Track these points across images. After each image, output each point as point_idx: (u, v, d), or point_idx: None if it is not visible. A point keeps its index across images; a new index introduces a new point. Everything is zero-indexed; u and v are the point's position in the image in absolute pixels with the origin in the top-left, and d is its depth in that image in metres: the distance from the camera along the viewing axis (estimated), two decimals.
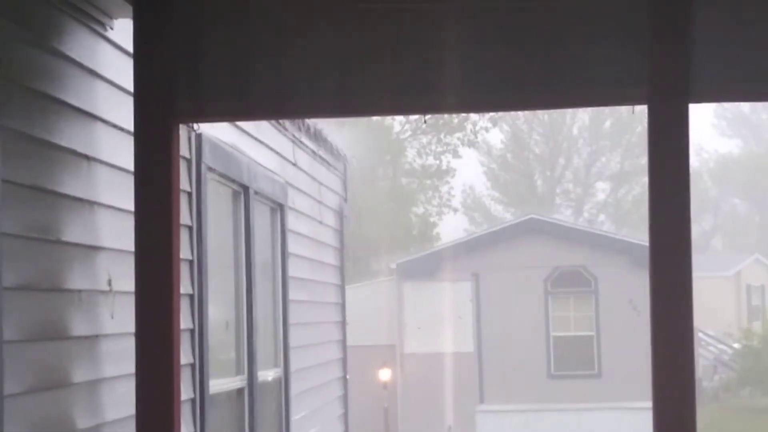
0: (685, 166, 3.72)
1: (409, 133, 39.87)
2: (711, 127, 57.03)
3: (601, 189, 51.50)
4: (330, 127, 10.30)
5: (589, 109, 44.51)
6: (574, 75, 3.87)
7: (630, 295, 21.63)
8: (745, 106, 57.02)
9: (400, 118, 37.66)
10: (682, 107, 3.70)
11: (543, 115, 49.19)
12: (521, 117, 49.40)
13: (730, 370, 29.57)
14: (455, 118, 38.85)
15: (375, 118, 34.29)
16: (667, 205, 3.73)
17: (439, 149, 40.14)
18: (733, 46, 3.82)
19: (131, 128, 3.96)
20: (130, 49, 4.00)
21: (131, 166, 3.95)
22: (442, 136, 39.82)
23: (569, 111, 47.56)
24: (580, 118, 50.14)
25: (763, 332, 28.38)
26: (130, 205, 3.98)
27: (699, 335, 30.02)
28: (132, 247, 3.92)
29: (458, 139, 39.90)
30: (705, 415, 24.78)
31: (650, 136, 3.73)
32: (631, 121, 45.20)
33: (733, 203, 56.96)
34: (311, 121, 9.15)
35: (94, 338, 4.24)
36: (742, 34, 3.82)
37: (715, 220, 55.77)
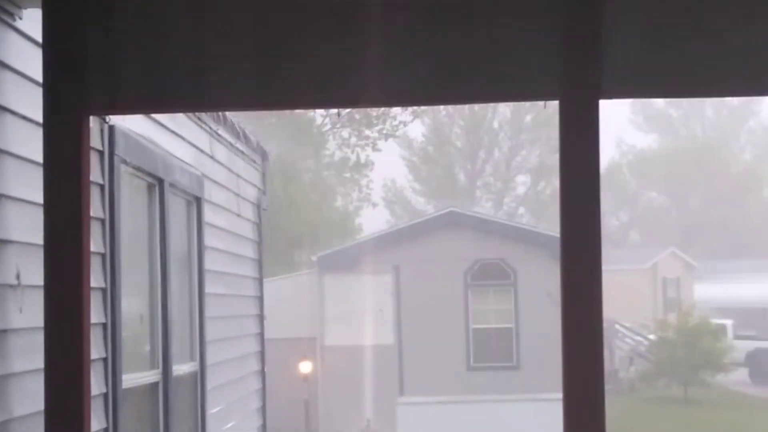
0: (595, 162, 3.76)
1: (329, 126, 39.82)
2: (628, 122, 57.84)
3: (521, 182, 52.03)
4: (251, 118, 10.24)
5: (510, 104, 44.84)
6: (487, 71, 3.89)
7: (548, 287, 21.86)
8: (660, 102, 57.93)
9: (321, 111, 37.57)
10: (592, 103, 3.74)
11: (464, 109, 49.49)
12: (442, 111, 49.65)
13: (646, 361, 30.02)
14: (374, 112, 38.88)
15: (297, 111, 34.17)
16: (577, 201, 3.76)
17: (360, 142, 40.15)
18: (643, 44, 3.87)
19: (41, 120, 3.90)
20: (40, 39, 3.93)
21: (41, 159, 3.89)
22: (362, 129, 39.82)
23: (490, 105, 47.90)
24: (501, 112, 50.57)
25: (678, 324, 28.86)
26: (40, 198, 3.91)
27: (616, 327, 30.44)
28: (42, 241, 3.86)
29: (378, 132, 39.95)
30: (621, 405, 25.14)
31: (561, 132, 3.77)
32: (551, 116, 45.68)
33: (650, 197, 57.83)
34: (230, 114, 9.09)
35: (2, 333, 4.17)
36: (653, 32, 3.88)
37: (632, 213, 56.58)
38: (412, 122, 42.30)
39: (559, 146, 3.78)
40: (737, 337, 32.01)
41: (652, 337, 30.13)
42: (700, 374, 27.90)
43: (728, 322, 32.92)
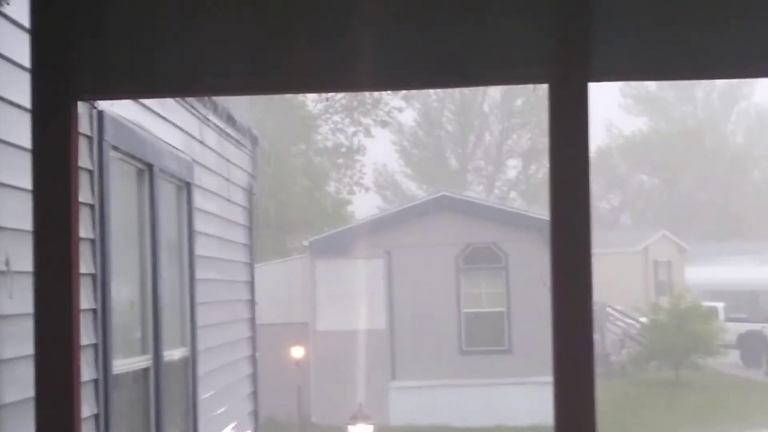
0: (585, 145, 3.76)
1: (322, 111, 39.78)
2: (618, 105, 57.85)
3: (512, 166, 52.05)
4: (241, 103, 10.22)
5: (501, 87, 44.83)
6: (476, 54, 3.88)
7: (540, 270, 21.87)
8: (651, 85, 57.95)
9: (312, 96, 37.51)
10: (582, 86, 3.73)
11: (454, 93, 49.48)
12: (433, 95, 49.63)
13: (637, 345, 30.10)
14: (369, 99, 38.84)
15: (288, 96, 34.10)
16: (567, 184, 3.76)
17: (352, 129, 40.15)
18: (633, 26, 3.86)
19: (29, 105, 3.87)
20: (28, 24, 3.90)
21: (29, 144, 3.87)
22: (355, 115, 39.79)
23: (480, 89, 47.92)
24: (492, 95, 50.55)
25: (669, 307, 28.93)
26: (29, 184, 3.90)
27: (607, 310, 30.51)
28: (31, 227, 3.84)
29: (373, 119, 39.94)
30: (612, 388, 25.22)
31: (551, 116, 3.76)
32: (542, 99, 45.62)
33: (641, 180, 57.90)
34: (220, 99, 9.06)
35: None
36: (643, 14, 3.86)
37: (623, 196, 56.66)
38: (405, 108, 42.34)
39: (549, 130, 3.77)
40: (729, 320, 32.11)
41: (643, 320, 30.20)
42: (692, 357, 27.99)
43: (720, 305, 33.03)
